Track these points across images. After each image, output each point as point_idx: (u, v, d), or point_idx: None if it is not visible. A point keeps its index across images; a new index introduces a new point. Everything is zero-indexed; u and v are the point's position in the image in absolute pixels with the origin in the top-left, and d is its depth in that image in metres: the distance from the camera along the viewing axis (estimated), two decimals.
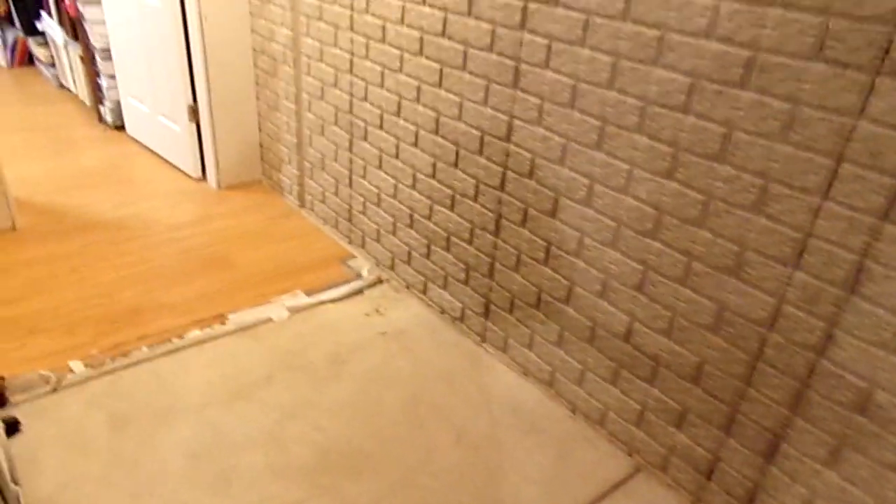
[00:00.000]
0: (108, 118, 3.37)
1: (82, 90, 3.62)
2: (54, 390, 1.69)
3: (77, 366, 1.77)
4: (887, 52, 0.98)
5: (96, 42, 3.16)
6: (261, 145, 2.87)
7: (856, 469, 1.19)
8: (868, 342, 1.12)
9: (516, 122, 1.64)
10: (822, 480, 1.25)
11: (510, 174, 1.70)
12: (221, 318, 2.02)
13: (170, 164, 3.04)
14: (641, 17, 1.30)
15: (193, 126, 2.77)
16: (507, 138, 1.68)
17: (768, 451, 1.33)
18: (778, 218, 1.19)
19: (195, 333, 1.94)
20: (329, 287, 2.23)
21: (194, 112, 2.74)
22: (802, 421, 1.25)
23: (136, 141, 3.26)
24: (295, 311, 2.09)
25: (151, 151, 3.16)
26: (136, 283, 2.17)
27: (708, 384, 1.40)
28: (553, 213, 1.62)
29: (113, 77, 3.23)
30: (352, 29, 2.09)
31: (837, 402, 1.18)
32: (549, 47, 1.50)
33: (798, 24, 1.07)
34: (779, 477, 1.32)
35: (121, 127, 3.37)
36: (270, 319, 2.04)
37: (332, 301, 2.17)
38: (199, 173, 2.90)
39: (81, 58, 3.38)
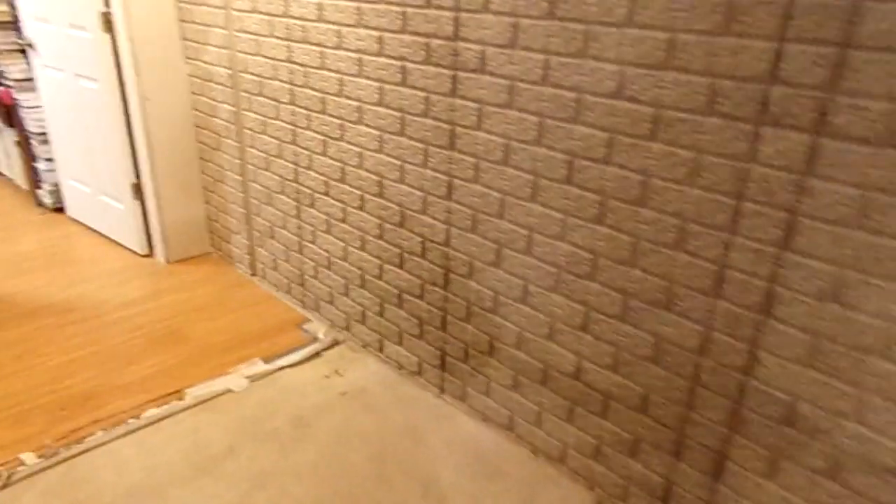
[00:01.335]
0: (47, 201, 3.34)
1: (18, 175, 3.58)
2: (5, 486, 1.64)
3: (29, 457, 1.73)
4: (766, 105, 1.14)
5: (32, 127, 3.16)
6: (208, 217, 2.90)
7: (792, 478, 1.29)
8: (786, 359, 1.24)
9: (456, 181, 1.74)
10: (764, 492, 1.34)
11: (454, 230, 1.80)
12: (179, 394, 2.01)
13: (115, 242, 3.02)
14: (559, 82, 1.44)
15: (138, 203, 2.79)
16: (449, 196, 1.78)
17: (715, 470, 1.42)
18: (697, 253, 1.32)
19: (152, 412, 1.92)
20: (287, 352, 2.25)
21: (138, 189, 2.76)
22: (741, 437, 1.35)
23: (78, 222, 3.23)
24: (254, 379, 2.10)
25: (95, 231, 3.13)
26: (86, 366, 2.13)
27: (655, 412, 1.50)
28: (497, 264, 1.72)
29: (50, 160, 3.22)
30: (292, 102, 2.19)
31: (768, 417, 1.29)
32: (479, 111, 1.63)
33: (690, 84, 1.23)
34: (727, 494, 1.41)
35: (60, 209, 3.33)
36: (230, 390, 2.04)
37: (291, 366, 2.18)
38: (147, 249, 2.90)
39: (17, 143, 3.36)
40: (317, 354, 2.26)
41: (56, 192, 3.30)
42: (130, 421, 1.88)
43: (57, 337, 2.29)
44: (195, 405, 1.96)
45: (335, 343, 2.33)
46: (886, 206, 1.05)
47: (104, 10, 2.44)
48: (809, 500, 1.27)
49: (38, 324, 2.36)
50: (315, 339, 2.34)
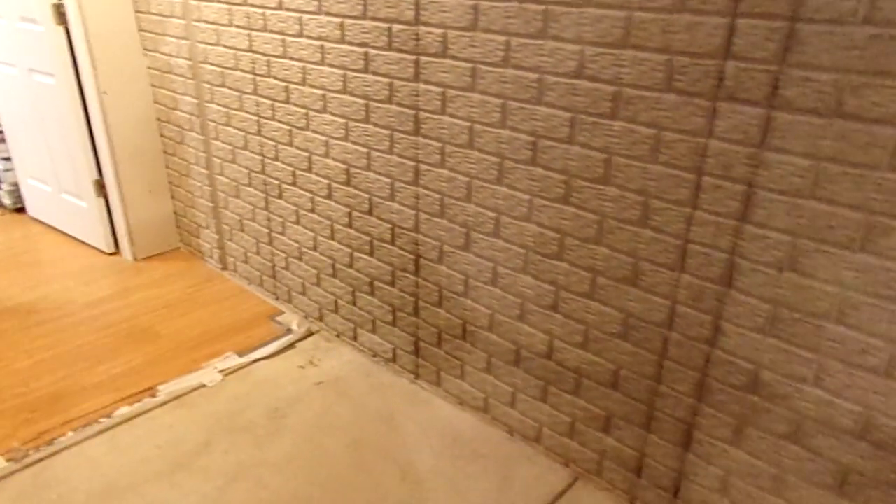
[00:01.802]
0: (6, 201, 3.25)
1: None
2: None
3: None
4: (721, 80, 1.16)
5: None
6: (175, 213, 2.86)
7: (756, 443, 1.33)
8: (748, 328, 1.27)
9: (422, 166, 1.74)
10: (731, 459, 1.38)
11: (423, 215, 1.80)
12: (151, 391, 1.99)
13: (79, 241, 2.96)
14: (520, 63, 1.45)
15: (102, 200, 2.73)
16: (416, 182, 1.78)
17: (684, 441, 1.45)
18: (661, 229, 1.34)
19: (124, 410, 1.90)
20: (261, 345, 2.24)
21: (101, 186, 2.70)
22: (707, 407, 1.39)
23: (40, 222, 3.15)
24: (228, 372, 2.09)
25: (58, 231, 3.06)
26: (54, 367, 2.10)
27: (625, 388, 1.53)
28: (467, 247, 1.73)
29: (8, 159, 3.13)
30: (256, 92, 2.16)
31: (732, 386, 1.33)
32: (443, 95, 1.63)
33: (649, 62, 1.24)
34: (696, 462, 1.45)
35: (21, 209, 3.25)
36: (203, 385, 2.02)
37: (265, 358, 2.17)
38: (113, 247, 2.84)
39: None
40: (291, 346, 2.25)
41: (16, 191, 3.21)
42: (102, 420, 1.86)
43: (21, 340, 2.24)
44: (168, 401, 1.94)
45: (309, 333, 2.32)
46: (837, 176, 1.08)
47: (56, 1, 2.37)
48: (774, 464, 1.32)
49: (1, 327, 2.31)
50: (289, 331, 2.33)
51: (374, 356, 2.17)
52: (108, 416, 1.88)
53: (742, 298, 1.26)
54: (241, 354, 2.18)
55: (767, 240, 1.19)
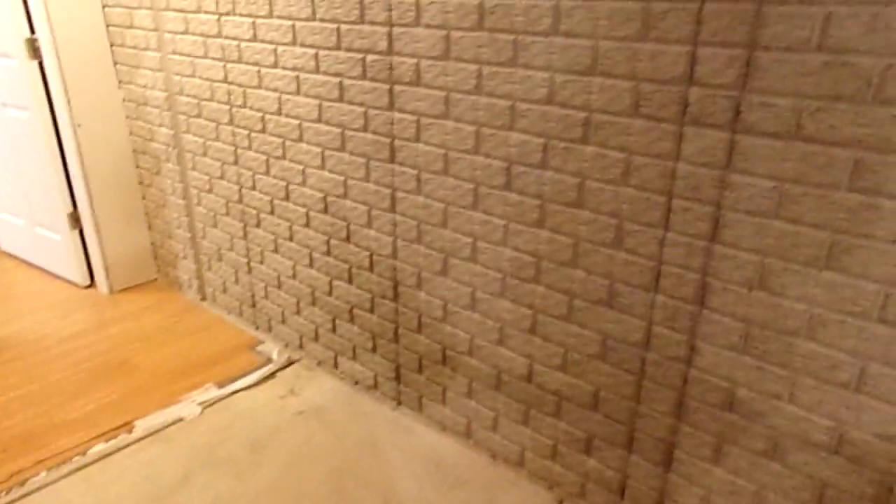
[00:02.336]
0: None
1: None
2: None
3: None
4: (686, 106, 1.19)
5: None
6: (152, 244, 2.83)
7: (736, 461, 1.34)
8: (722, 346, 1.29)
9: (398, 193, 1.76)
10: (712, 477, 1.39)
11: (400, 242, 1.81)
12: (128, 427, 1.95)
13: (53, 275, 2.92)
14: (493, 91, 1.47)
15: (76, 233, 2.70)
16: (393, 209, 1.79)
17: (665, 460, 1.46)
18: (634, 251, 1.37)
19: (100, 447, 1.86)
20: (240, 375, 2.21)
21: (76, 219, 2.68)
22: (687, 427, 1.40)
23: (12, 256, 3.10)
24: (207, 405, 2.06)
25: (31, 265, 3.02)
26: (27, 404, 2.05)
27: (606, 409, 1.53)
28: (445, 273, 1.74)
29: None
30: (232, 123, 2.16)
31: (710, 404, 1.34)
32: (417, 122, 1.65)
33: (616, 88, 1.27)
34: (678, 482, 1.45)
35: None
36: (182, 418, 1.99)
37: (246, 389, 2.15)
38: (88, 280, 2.80)
39: None
40: (271, 375, 2.23)
41: None
42: (76, 458, 1.82)
43: None
44: (145, 437, 1.91)
45: (290, 362, 2.30)
46: (799, 196, 1.11)
47: (29, 36, 2.37)
48: (753, 482, 1.33)
49: None
50: (269, 360, 2.31)
51: (356, 384, 2.15)
52: (83, 453, 1.84)
53: (715, 317, 1.28)
54: (220, 386, 2.16)
55: (737, 259, 1.22)
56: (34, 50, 2.39)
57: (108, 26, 2.45)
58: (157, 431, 1.93)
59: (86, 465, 1.79)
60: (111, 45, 2.49)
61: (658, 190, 1.28)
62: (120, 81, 2.54)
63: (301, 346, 2.31)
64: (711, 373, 1.32)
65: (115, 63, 2.51)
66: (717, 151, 1.18)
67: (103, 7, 2.43)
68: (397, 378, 2.01)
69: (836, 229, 1.09)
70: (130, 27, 2.37)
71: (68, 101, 2.42)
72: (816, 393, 1.19)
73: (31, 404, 2.06)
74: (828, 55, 1.02)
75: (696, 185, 1.23)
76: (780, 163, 1.12)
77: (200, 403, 2.06)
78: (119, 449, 1.86)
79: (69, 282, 2.85)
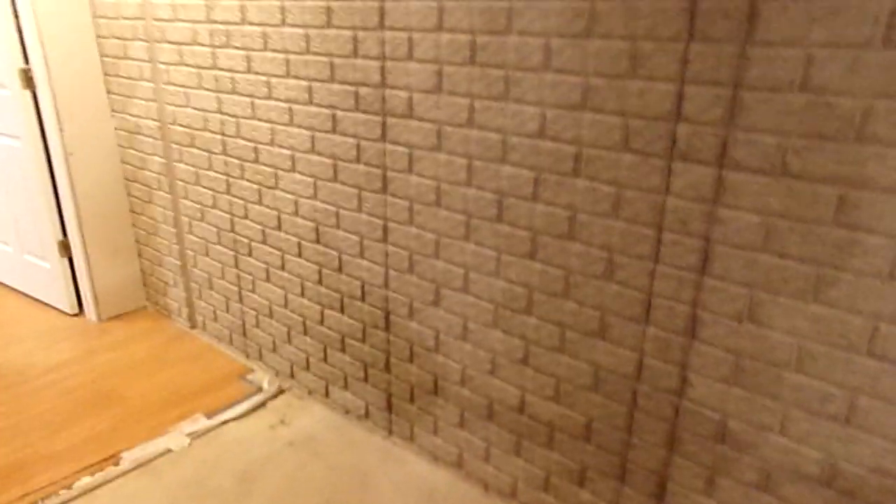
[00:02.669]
0: None
1: None
2: None
3: None
4: (674, 141, 1.22)
5: None
6: (142, 271, 2.82)
7: (729, 493, 1.34)
8: (713, 378, 1.30)
9: (391, 223, 1.77)
10: None
11: (392, 272, 1.82)
12: (115, 459, 1.92)
13: (41, 303, 2.89)
14: (485, 125, 1.50)
15: (65, 261, 2.68)
16: (385, 239, 1.80)
17: (658, 492, 1.46)
18: (625, 283, 1.38)
19: (86, 480, 1.83)
20: (230, 405, 2.19)
21: (66, 247, 2.66)
22: (679, 458, 1.40)
23: (0, 283, 3.07)
24: (196, 436, 2.03)
25: (18, 292, 2.99)
26: (11, 436, 2.02)
27: (598, 440, 1.53)
28: (437, 303, 1.74)
29: None
30: (225, 152, 2.18)
31: (702, 436, 1.35)
32: (410, 154, 1.67)
33: (605, 123, 1.30)
34: None
35: None
36: (170, 450, 1.96)
37: (235, 419, 2.12)
38: (76, 308, 2.78)
39: None
40: (262, 405, 2.21)
41: None
42: (62, 492, 1.78)
43: None
44: (132, 469, 1.88)
45: (280, 392, 2.29)
46: (786, 231, 1.14)
47: (23, 66, 2.38)
48: None
49: None
50: (259, 389, 2.29)
51: (347, 413, 2.14)
52: (69, 487, 1.81)
53: (706, 349, 1.29)
54: (209, 416, 2.13)
55: (726, 292, 1.24)
56: (28, 80, 2.40)
57: (102, 56, 2.47)
58: (144, 464, 1.90)
59: (72, 499, 1.76)
60: (105, 75, 2.50)
61: (648, 223, 1.30)
62: (113, 111, 2.55)
63: (292, 375, 2.29)
64: (703, 404, 1.33)
65: (109, 92, 2.52)
66: (705, 186, 1.21)
67: (97, 37, 2.45)
68: (389, 408, 2.00)
69: (822, 263, 1.11)
70: (125, 58, 2.39)
71: (61, 130, 2.43)
72: (807, 425, 1.20)
73: (16, 435, 2.02)
74: (810, 95, 1.05)
75: (686, 218, 1.25)
76: (767, 198, 1.14)
77: (189, 434, 2.04)
78: (106, 482, 1.83)
79: (57, 310, 2.83)
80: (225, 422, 2.11)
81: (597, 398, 1.50)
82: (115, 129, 2.58)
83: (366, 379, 2.03)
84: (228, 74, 2.05)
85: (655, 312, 1.35)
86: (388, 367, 1.95)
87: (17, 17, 2.33)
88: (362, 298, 1.93)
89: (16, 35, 2.36)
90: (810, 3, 1.02)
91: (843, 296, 1.11)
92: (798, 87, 1.06)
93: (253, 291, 2.31)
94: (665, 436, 1.41)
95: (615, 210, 1.34)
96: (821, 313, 1.14)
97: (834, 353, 1.14)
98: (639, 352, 1.40)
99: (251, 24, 1.91)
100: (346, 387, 2.11)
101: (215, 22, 2.01)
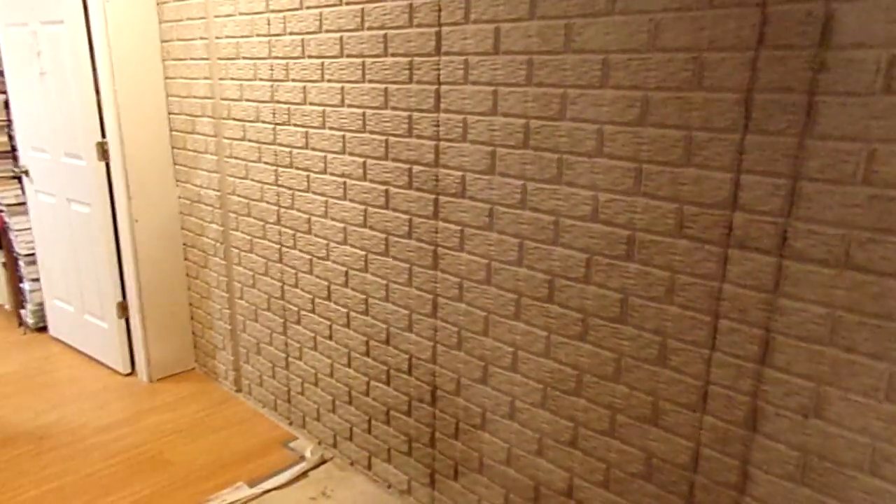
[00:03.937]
0: (30, 321, 3.32)
1: (3, 295, 3.57)
2: None
3: None
4: (730, 229, 1.21)
5: (21, 249, 3.20)
6: (193, 333, 2.89)
7: None
8: (777, 475, 1.23)
9: (440, 299, 1.78)
10: None
11: (440, 347, 1.81)
12: None
13: (97, 361, 2.98)
14: (537, 206, 1.52)
15: (123, 322, 2.78)
16: (434, 314, 1.81)
17: None
18: (680, 369, 1.34)
19: None
20: (272, 474, 2.18)
21: (124, 308, 2.76)
22: None
23: (60, 342, 3.19)
24: None
25: (77, 351, 3.09)
26: (60, 499, 2.04)
27: None
28: (484, 381, 1.72)
29: (36, 280, 3.23)
30: (279, 223, 2.25)
31: None
32: (461, 232, 1.69)
33: (660, 209, 1.30)
34: None
35: (43, 328, 3.30)
36: None
37: (277, 488, 2.11)
38: (129, 368, 2.85)
39: (3, 264, 3.37)
40: (304, 474, 2.19)
41: (39, 311, 3.28)
42: None
43: (31, 467, 2.20)
44: None
45: (322, 461, 2.27)
46: (854, 325, 1.10)
47: (101, 140, 2.55)
48: None
49: (13, 453, 2.28)
50: (302, 458, 2.28)
51: (389, 487, 2.10)
52: None
53: (769, 444, 1.23)
54: (251, 484, 2.13)
55: (790, 384, 1.19)
56: (104, 152, 2.56)
57: (171, 131, 2.63)
58: None
59: None
60: (173, 148, 2.65)
61: (703, 310, 1.28)
62: (177, 181, 2.68)
63: (335, 445, 2.28)
64: (767, 503, 1.26)
65: (175, 164, 2.67)
66: (764, 275, 1.18)
67: (169, 114, 2.62)
68: (432, 484, 1.96)
69: (895, 360, 1.07)
70: (192, 133, 2.53)
71: (129, 199, 2.57)
72: None
73: (64, 499, 2.05)
74: (874, 189, 1.04)
75: (744, 307, 1.22)
76: (831, 290, 1.11)
77: None
78: None
79: (111, 369, 2.91)
80: (266, 491, 2.09)
81: (650, 487, 1.44)
82: (178, 197, 2.71)
83: (409, 453, 2.00)
84: (287, 149, 2.14)
85: (713, 402, 1.30)
86: (432, 443, 1.92)
87: (98, 92, 2.51)
88: (409, 372, 1.93)
89: (96, 111, 2.53)
90: (869, 99, 1.02)
91: None
92: (861, 180, 1.05)
93: (300, 359, 2.33)
94: None
95: (669, 295, 1.33)
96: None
97: None
98: (695, 441, 1.35)
99: (312, 104, 2.01)
100: (389, 460, 2.08)
101: (278, 102, 2.13)
